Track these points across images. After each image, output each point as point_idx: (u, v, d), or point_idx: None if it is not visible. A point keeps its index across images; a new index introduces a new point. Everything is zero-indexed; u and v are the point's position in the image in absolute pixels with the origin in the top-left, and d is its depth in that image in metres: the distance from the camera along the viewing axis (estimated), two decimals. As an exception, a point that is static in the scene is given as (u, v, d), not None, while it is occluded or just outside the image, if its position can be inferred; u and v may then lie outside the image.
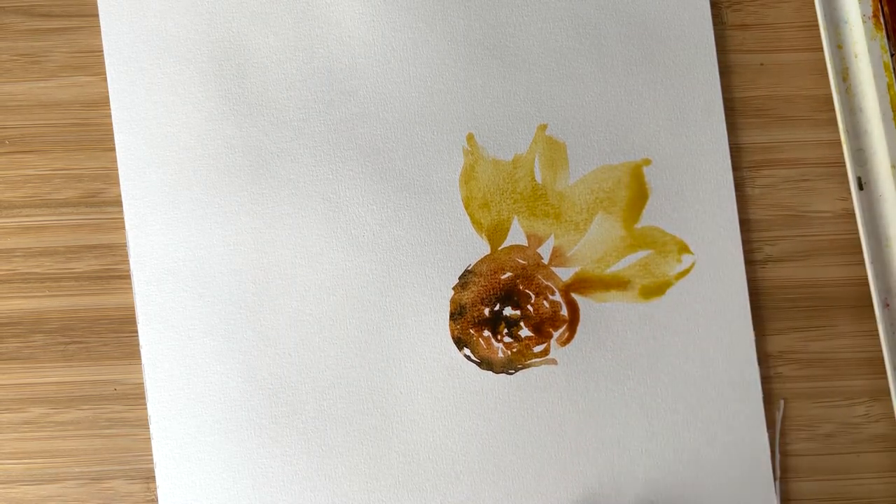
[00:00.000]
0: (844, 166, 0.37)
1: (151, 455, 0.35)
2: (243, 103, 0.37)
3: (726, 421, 0.36)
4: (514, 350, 0.36)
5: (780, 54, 0.38)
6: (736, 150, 0.37)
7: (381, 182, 0.36)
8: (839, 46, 0.37)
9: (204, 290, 0.36)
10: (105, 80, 0.37)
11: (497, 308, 0.36)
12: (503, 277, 0.36)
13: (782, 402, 0.36)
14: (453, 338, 0.36)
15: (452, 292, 0.36)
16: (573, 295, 0.36)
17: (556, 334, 0.36)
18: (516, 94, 0.37)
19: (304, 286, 0.36)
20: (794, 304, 0.37)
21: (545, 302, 0.36)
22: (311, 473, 0.35)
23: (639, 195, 0.36)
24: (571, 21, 0.37)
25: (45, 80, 0.37)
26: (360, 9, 0.37)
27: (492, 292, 0.36)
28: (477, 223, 0.36)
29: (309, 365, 0.36)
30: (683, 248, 0.36)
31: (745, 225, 0.37)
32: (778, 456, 0.36)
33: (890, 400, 0.36)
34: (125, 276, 0.36)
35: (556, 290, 0.36)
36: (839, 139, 0.37)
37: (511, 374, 0.36)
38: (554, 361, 0.36)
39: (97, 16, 0.37)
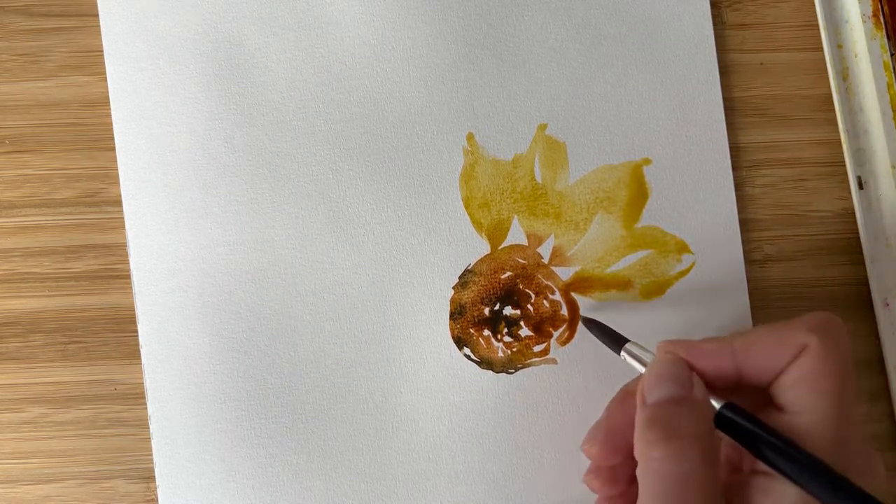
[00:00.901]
0: (844, 166, 0.37)
1: (151, 455, 0.35)
2: (243, 103, 0.37)
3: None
4: (514, 350, 0.36)
5: (780, 54, 0.38)
6: (736, 150, 0.37)
7: (381, 182, 0.36)
8: (839, 46, 0.37)
9: (204, 290, 0.36)
10: (104, 79, 0.37)
11: (497, 308, 0.36)
12: (503, 277, 0.36)
13: None
14: (453, 337, 0.36)
15: (452, 292, 0.36)
16: (573, 294, 0.36)
17: (556, 334, 0.36)
18: (516, 94, 0.37)
19: (304, 286, 0.36)
20: (793, 304, 0.37)
21: (545, 301, 0.36)
22: (311, 473, 0.35)
23: (639, 195, 0.36)
24: (571, 21, 0.37)
25: (44, 80, 0.37)
26: (361, 9, 0.37)
27: (492, 292, 0.36)
28: (477, 223, 0.36)
29: (309, 365, 0.36)
30: (683, 248, 0.36)
31: (745, 225, 0.37)
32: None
33: (890, 400, 0.36)
34: (125, 276, 0.36)
35: (556, 289, 0.36)
36: (839, 139, 0.37)
37: (511, 373, 0.36)
38: (554, 361, 0.36)
39: (97, 16, 0.37)
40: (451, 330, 0.36)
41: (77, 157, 0.37)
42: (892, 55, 0.36)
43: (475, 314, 0.36)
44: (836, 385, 0.27)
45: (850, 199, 0.37)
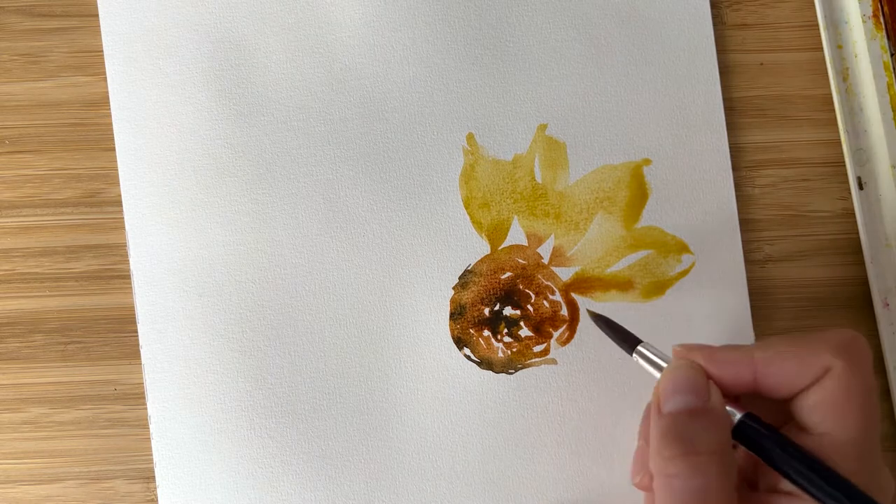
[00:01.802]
0: (844, 166, 0.37)
1: (151, 455, 0.35)
2: (243, 103, 0.37)
3: (726, 421, 0.35)
4: (514, 350, 0.36)
5: (780, 54, 0.38)
6: (736, 150, 0.37)
7: (381, 182, 0.36)
8: (839, 46, 0.37)
9: (204, 290, 0.36)
10: (105, 80, 0.37)
11: (497, 308, 0.36)
12: (503, 277, 0.36)
13: None
14: (453, 338, 0.36)
15: (452, 292, 0.36)
16: (573, 295, 0.36)
17: (556, 334, 0.36)
18: (516, 94, 0.37)
19: (304, 286, 0.36)
20: (794, 304, 0.37)
21: (545, 302, 0.36)
22: (310, 473, 0.35)
23: (639, 195, 0.36)
24: (571, 21, 0.37)
25: (44, 80, 0.37)
26: (361, 9, 0.37)
27: (492, 292, 0.36)
28: (477, 223, 0.36)
29: (309, 365, 0.36)
30: (683, 248, 0.36)
31: (745, 225, 0.37)
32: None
33: (890, 400, 0.36)
34: (125, 276, 0.36)
35: (556, 289, 0.36)
36: (839, 139, 0.37)
37: (511, 373, 0.36)
38: (554, 361, 0.36)
39: (97, 16, 0.37)
40: (451, 330, 0.36)
41: (77, 157, 0.37)
42: (892, 55, 0.36)
43: (475, 314, 0.36)
44: (861, 410, 0.26)
45: (850, 199, 0.37)
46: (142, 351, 0.36)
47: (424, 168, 0.36)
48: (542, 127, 0.37)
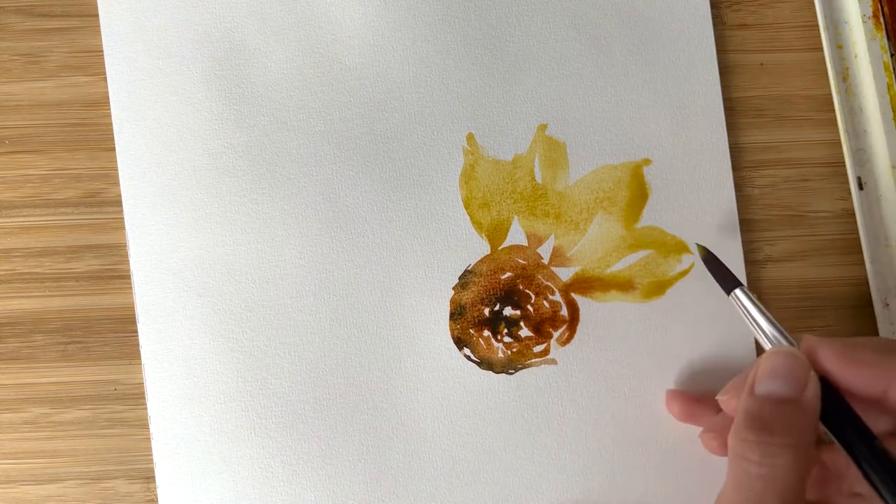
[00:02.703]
0: (844, 166, 0.37)
1: (151, 455, 0.35)
2: (243, 103, 0.37)
3: (726, 421, 0.35)
4: (514, 350, 0.36)
5: (780, 54, 0.38)
6: (736, 150, 0.37)
7: (381, 182, 0.36)
8: (839, 46, 0.37)
9: (204, 290, 0.36)
10: (105, 80, 0.37)
11: (497, 308, 0.36)
12: (503, 277, 0.36)
13: None
14: (453, 338, 0.36)
15: (452, 292, 0.36)
16: (573, 295, 0.36)
17: (556, 334, 0.36)
18: (516, 94, 0.37)
19: (304, 286, 0.36)
20: (794, 304, 0.37)
21: (545, 302, 0.36)
22: (311, 473, 0.35)
23: (639, 195, 0.36)
24: (571, 21, 0.37)
25: (44, 80, 0.37)
26: (361, 9, 0.37)
27: (492, 292, 0.36)
28: (477, 223, 0.36)
29: (309, 365, 0.36)
30: (683, 248, 0.36)
31: (745, 225, 0.37)
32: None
33: None
34: (125, 276, 0.36)
35: (556, 290, 0.36)
36: (839, 139, 0.37)
37: (511, 374, 0.36)
38: (554, 361, 0.36)
39: (97, 16, 0.37)
40: (451, 330, 0.36)
41: (77, 157, 0.37)
42: (892, 55, 0.36)
43: (475, 315, 0.36)
44: None
45: (850, 199, 0.37)
46: (142, 351, 0.36)
47: (424, 168, 0.36)
48: (542, 127, 0.37)
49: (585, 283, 0.36)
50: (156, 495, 0.35)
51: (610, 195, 0.36)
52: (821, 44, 0.37)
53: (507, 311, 0.36)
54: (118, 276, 0.36)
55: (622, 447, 0.35)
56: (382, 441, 0.35)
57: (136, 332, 0.36)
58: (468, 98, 0.37)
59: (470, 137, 0.37)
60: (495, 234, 0.36)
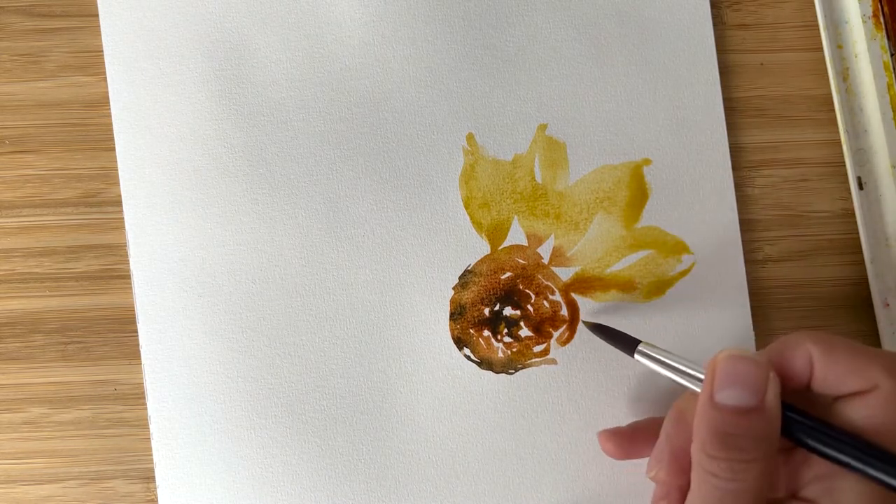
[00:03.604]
0: (844, 166, 0.37)
1: (151, 455, 0.35)
2: (243, 103, 0.37)
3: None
4: (514, 350, 0.36)
5: (780, 54, 0.38)
6: (736, 150, 0.37)
7: (381, 182, 0.36)
8: (839, 46, 0.37)
9: (204, 290, 0.36)
10: (105, 80, 0.37)
11: (497, 308, 0.36)
12: (503, 277, 0.36)
13: None
14: (453, 338, 0.36)
15: (452, 292, 0.36)
16: (573, 295, 0.36)
17: (556, 334, 0.36)
18: (516, 94, 0.37)
19: (304, 286, 0.36)
20: (793, 304, 0.37)
21: (545, 302, 0.36)
22: (310, 473, 0.35)
23: (639, 195, 0.36)
24: (571, 21, 0.37)
25: (44, 80, 0.37)
26: (361, 9, 0.37)
27: (492, 292, 0.36)
28: (477, 223, 0.36)
29: (309, 365, 0.36)
30: (683, 248, 0.36)
31: (745, 225, 0.37)
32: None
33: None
34: (125, 276, 0.36)
35: (556, 290, 0.36)
36: (839, 139, 0.37)
37: (511, 374, 0.36)
38: (554, 361, 0.36)
39: (97, 16, 0.37)
40: (451, 330, 0.36)
41: (77, 157, 0.37)
42: (892, 55, 0.36)
43: (475, 315, 0.36)
44: None
45: (850, 199, 0.37)
46: (142, 351, 0.36)
47: (424, 168, 0.36)
48: (542, 127, 0.37)
49: (585, 283, 0.36)
50: (156, 495, 0.35)
51: (610, 195, 0.36)
52: (821, 44, 0.37)
53: (507, 310, 0.36)
54: (118, 276, 0.36)
55: (622, 447, 0.35)
56: (382, 441, 0.35)
57: (136, 332, 0.36)
58: (468, 98, 0.37)
59: (470, 137, 0.37)
60: (495, 234, 0.36)
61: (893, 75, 0.36)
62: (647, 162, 0.37)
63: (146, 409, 0.36)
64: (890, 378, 0.26)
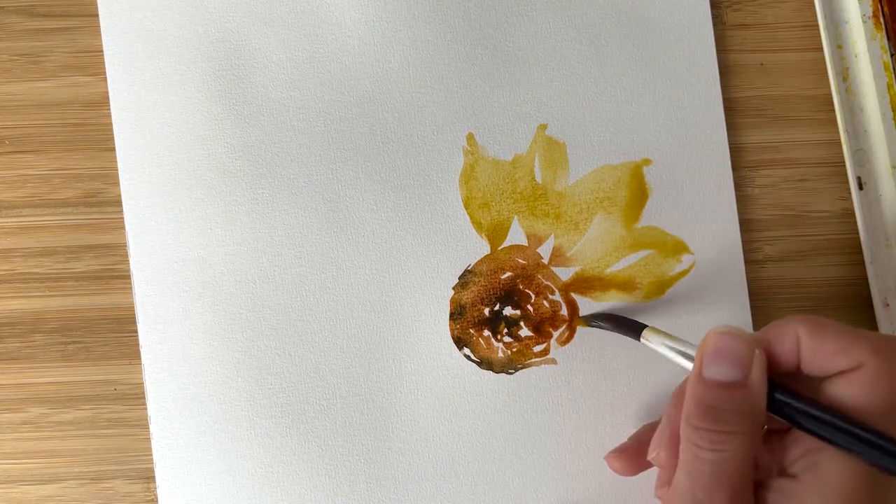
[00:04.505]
0: (844, 166, 0.37)
1: (151, 455, 0.35)
2: (243, 103, 0.37)
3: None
4: (514, 350, 0.36)
5: (780, 54, 0.38)
6: (736, 150, 0.37)
7: (381, 182, 0.36)
8: (839, 46, 0.37)
9: (204, 290, 0.36)
10: (105, 80, 0.37)
11: (497, 308, 0.36)
12: (503, 277, 0.36)
13: None
14: (453, 338, 0.36)
15: (452, 292, 0.36)
16: (573, 295, 0.36)
17: (555, 334, 0.36)
18: (516, 94, 0.37)
19: (304, 286, 0.36)
20: (794, 304, 0.37)
21: (545, 302, 0.36)
22: (311, 473, 0.35)
23: (639, 195, 0.36)
24: (571, 21, 0.37)
25: (44, 80, 0.37)
26: (361, 9, 0.37)
27: (492, 292, 0.36)
28: (477, 223, 0.36)
29: (309, 365, 0.36)
30: (683, 248, 0.36)
31: (745, 225, 0.37)
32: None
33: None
34: (125, 276, 0.36)
35: (555, 289, 0.36)
36: (839, 139, 0.37)
37: (511, 373, 0.36)
38: (554, 361, 0.36)
39: (97, 16, 0.37)
40: (451, 330, 0.36)
41: (77, 157, 0.37)
42: (892, 55, 0.36)
43: (475, 314, 0.36)
44: (883, 411, 0.26)
45: (850, 199, 0.37)
46: (142, 351, 0.36)
47: (424, 168, 0.36)
48: (542, 127, 0.37)
49: (585, 283, 0.36)
50: (156, 495, 0.35)
51: (610, 195, 0.36)
52: (821, 44, 0.37)
53: (507, 310, 0.36)
54: (118, 276, 0.36)
55: (622, 447, 0.35)
56: (382, 441, 0.35)
57: (136, 332, 0.36)
58: (468, 98, 0.37)
59: (470, 137, 0.37)
60: (495, 233, 0.36)
61: (893, 75, 0.36)
62: (647, 162, 0.37)
63: (146, 409, 0.36)
64: (875, 356, 0.27)
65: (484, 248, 0.36)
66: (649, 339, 0.32)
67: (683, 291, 0.36)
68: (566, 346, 0.36)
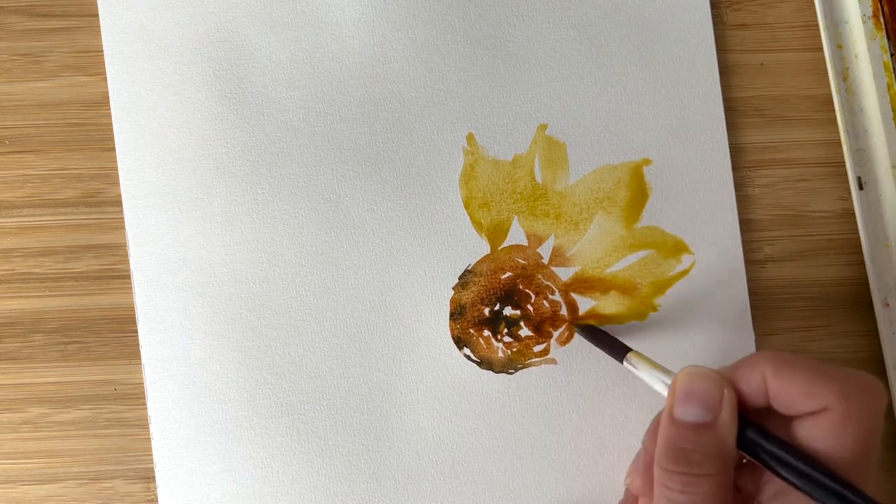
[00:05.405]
0: (844, 166, 0.37)
1: (151, 455, 0.35)
2: (243, 103, 0.37)
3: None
4: (514, 350, 0.36)
5: (780, 54, 0.38)
6: (736, 150, 0.37)
7: (381, 182, 0.36)
8: (839, 46, 0.37)
9: (204, 290, 0.36)
10: (105, 80, 0.37)
11: (497, 308, 0.36)
12: (503, 277, 0.36)
13: None
14: (453, 338, 0.36)
15: (452, 292, 0.36)
16: (573, 295, 0.36)
17: (556, 334, 0.36)
18: (516, 94, 0.37)
19: (304, 286, 0.36)
20: (794, 304, 0.37)
21: (545, 302, 0.36)
22: (311, 473, 0.35)
23: (639, 195, 0.36)
24: (571, 21, 0.37)
25: (44, 80, 0.37)
26: (361, 9, 0.37)
27: (492, 292, 0.36)
28: (477, 223, 0.36)
29: (309, 365, 0.36)
30: (683, 248, 0.36)
31: (745, 225, 0.37)
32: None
33: (889, 399, 0.36)
34: (125, 276, 0.36)
35: (555, 289, 0.36)
36: (839, 139, 0.37)
37: (511, 373, 0.36)
38: (554, 361, 0.36)
39: (97, 16, 0.37)
40: (451, 330, 0.36)
41: (77, 157, 0.37)
42: (892, 55, 0.36)
43: (475, 314, 0.36)
44: (850, 456, 0.26)
45: (850, 199, 0.37)
46: (142, 351, 0.36)
47: (424, 168, 0.36)
48: (542, 127, 0.37)
49: (585, 283, 0.36)
50: (156, 495, 0.35)
51: (610, 195, 0.36)
52: (821, 44, 0.37)
53: (507, 310, 0.36)
54: (118, 276, 0.36)
55: (622, 447, 0.35)
56: (382, 441, 0.35)
57: (135, 332, 0.36)
58: (468, 98, 0.37)
59: (470, 137, 0.37)
60: (495, 233, 0.36)
61: (893, 75, 0.36)
62: (647, 162, 0.37)
63: (146, 409, 0.36)
64: (841, 400, 0.26)
65: (484, 248, 0.36)
66: (632, 364, 0.32)
67: (683, 291, 0.36)
68: (566, 346, 0.36)
